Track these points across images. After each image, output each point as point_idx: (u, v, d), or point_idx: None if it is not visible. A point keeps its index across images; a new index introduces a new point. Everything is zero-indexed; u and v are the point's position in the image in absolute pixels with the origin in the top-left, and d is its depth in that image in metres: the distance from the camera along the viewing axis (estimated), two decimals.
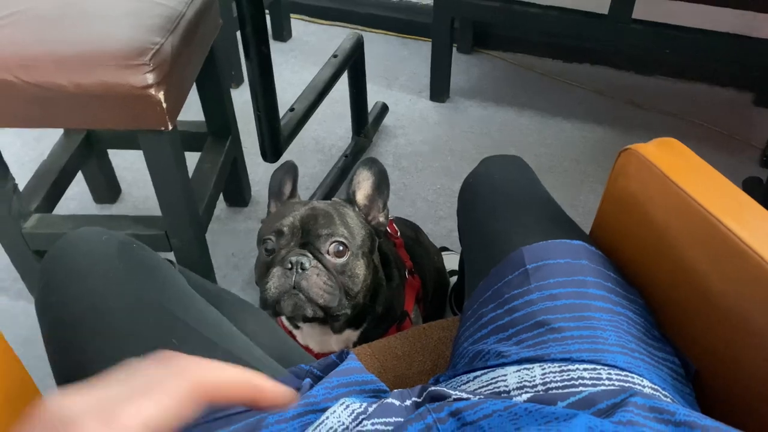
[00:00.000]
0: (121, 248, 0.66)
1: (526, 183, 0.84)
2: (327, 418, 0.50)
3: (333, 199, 1.05)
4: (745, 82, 2.19)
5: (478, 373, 0.61)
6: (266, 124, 1.41)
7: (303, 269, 0.89)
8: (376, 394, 0.58)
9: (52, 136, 1.61)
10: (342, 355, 0.63)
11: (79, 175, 1.65)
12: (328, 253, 0.92)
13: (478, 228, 0.81)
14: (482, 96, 2.23)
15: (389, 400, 0.52)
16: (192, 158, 1.40)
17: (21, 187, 1.37)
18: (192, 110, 1.49)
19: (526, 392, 0.55)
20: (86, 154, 1.63)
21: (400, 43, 2.53)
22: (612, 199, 0.76)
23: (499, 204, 0.79)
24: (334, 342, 1.02)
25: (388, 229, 1.13)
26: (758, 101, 2.17)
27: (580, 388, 0.53)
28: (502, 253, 0.71)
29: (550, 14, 1.91)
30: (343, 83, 1.79)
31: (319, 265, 0.90)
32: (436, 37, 2.06)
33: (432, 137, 2.04)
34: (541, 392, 0.54)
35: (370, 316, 1.01)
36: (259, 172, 1.83)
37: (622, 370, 0.55)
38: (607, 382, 0.54)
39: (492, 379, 0.58)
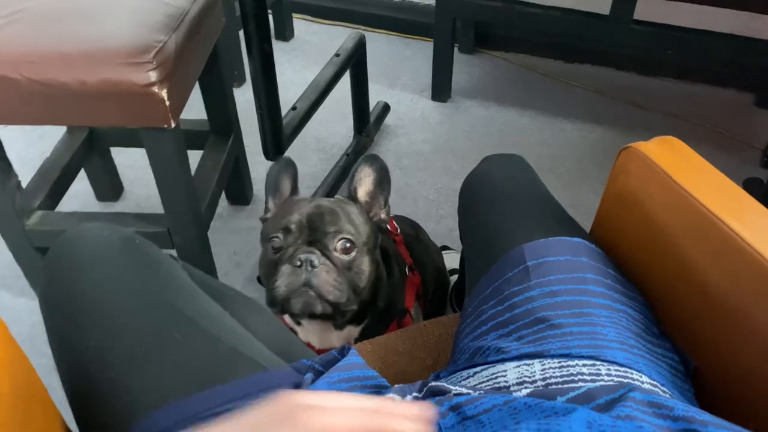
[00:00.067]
0: (125, 243, 0.67)
1: (527, 181, 0.84)
2: None
3: (336, 196, 1.05)
4: (746, 83, 2.19)
5: (479, 368, 0.61)
6: (268, 122, 1.42)
7: (312, 266, 0.89)
8: (377, 390, 0.59)
9: (56, 133, 1.62)
10: (343, 351, 0.63)
11: (82, 173, 1.66)
12: (335, 250, 0.92)
13: (479, 226, 0.81)
14: (484, 96, 2.23)
15: (390, 395, 0.53)
16: (194, 157, 1.41)
17: (24, 184, 1.38)
18: (194, 109, 1.50)
19: (526, 387, 0.55)
20: (89, 152, 1.64)
21: (402, 42, 2.53)
22: (612, 196, 0.76)
23: (500, 202, 0.80)
24: (335, 338, 1.03)
25: (388, 226, 1.13)
26: (759, 102, 2.17)
27: (580, 384, 0.53)
28: (503, 251, 0.71)
29: (552, 14, 1.92)
30: (345, 82, 1.79)
31: (328, 262, 0.91)
32: (438, 37, 2.07)
33: (433, 137, 2.05)
34: (540, 387, 0.55)
35: (371, 312, 1.02)
36: (261, 170, 1.84)
37: (621, 365, 0.56)
38: (606, 378, 0.54)
39: (492, 374, 0.59)
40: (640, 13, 1.81)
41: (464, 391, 0.52)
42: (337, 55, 1.73)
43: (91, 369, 0.59)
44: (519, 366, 0.58)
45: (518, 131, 2.07)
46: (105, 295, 0.63)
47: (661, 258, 0.69)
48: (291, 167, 1.06)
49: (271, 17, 2.35)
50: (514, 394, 0.53)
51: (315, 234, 0.92)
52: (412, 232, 1.28)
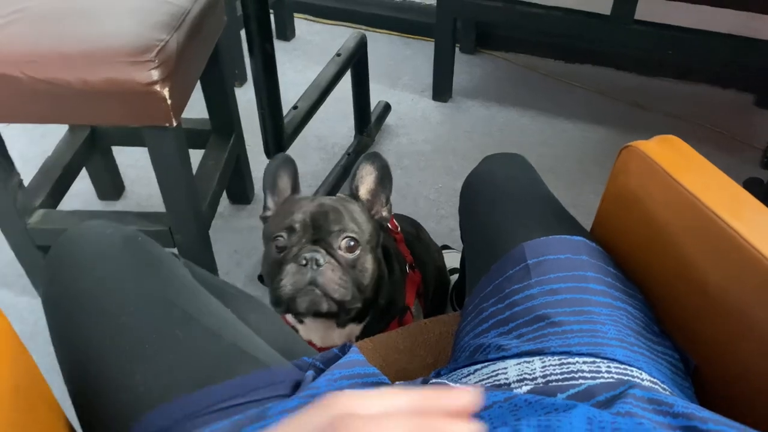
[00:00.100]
0: (126, 241, 0.67)
1: (528, 180, 0.84)
2: None
3: (338, 194, 1.05)
4: (746, 83, 2.20)
5: (479, 366, 0.61)
6: (270, 121, 1.42)
7: (318, 265, 0.89)
8: (378, 387, 0.59)
9: (57, 132, 1.62)
10: (344, 348, 0.64)
11: (84, 172, 1.66)
12: (340, 248, 0.93)
13: (480, 225, 0.81)
14: (484, 96, 2.23)
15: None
16: (195, 156, 1.41)
17: (26, 183, 1.38)
18: (196, 108, 1.50)
19: (526, 385, 0.55)
20: (91, 151, 1.64)
21: (403, 42, 2.54)
22: (613, 195, 0.77)
23: (501, 201, 0.80)
24: (337, 336, 1.03)
25: (389, 225, 1.14)
26: (759, 102, 2.17)
27: (580, 381, 0.53)
28: (504, 249, 0.72)
29: (553, 15, 1.92)
30: (346, 82, 1.80)
31: (333, 261, 0.91)
32: (439, 37, 2.07)
33: (434, 136, 2.05)
34: (541, 385, 0.55)
35: (373, 309, 1.02)
36: (262, 170, 1.81)
37: (621, 363, 0.56)
38: (606, 375, 0.54)
39: (492, 372, 0.59)
40: (641, 13, 1.81)
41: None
42: (338, 54, 1.73)
43: (93, 367, 0.60)
44: (519, 363, 0.58)
45: (519, 131, 2.07)
46: (107, 294, 0.63)
47: (661, 256, 0.69)
48: (289, 164, 1.05)
49: (272, 17, 2.36)
50: (514, 391, 0.54)
51: (319, 233, 0.92)
52: (413, 231, 1.28)
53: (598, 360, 0.56)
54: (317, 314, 0.95)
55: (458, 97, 2.22)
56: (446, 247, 1.55)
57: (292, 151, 1.44)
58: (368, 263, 0.95)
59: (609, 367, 0.55)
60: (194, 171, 1.37)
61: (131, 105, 1.13)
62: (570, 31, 2.04)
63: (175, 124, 1.16)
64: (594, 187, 1.79)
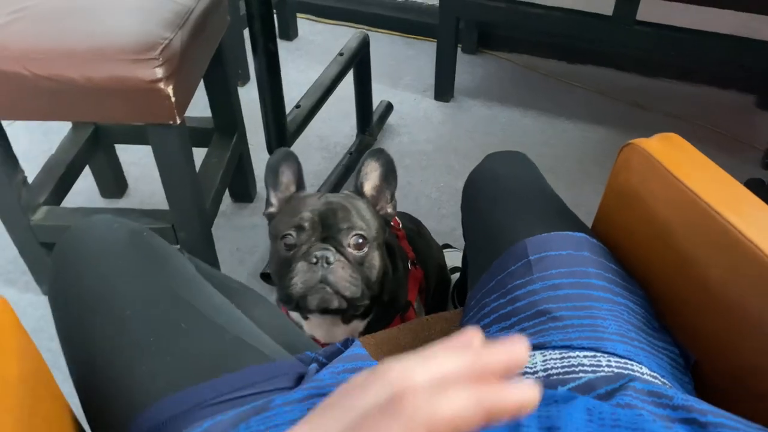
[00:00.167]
0: (132, 235, 0.68)
1: (529, 178, 0.85)
2: None
3: (344, 192, 1.05)
4: (748, 85, 2.20)
5: None
6: (273, 119, 1.43)
7: (328, 263, 0.90)
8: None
9: (61, 131, 1.63)
10: (347, 343, 0.64)
11: (87, 170, 1.67)
12: (349, 246, 0.93)
13: (482, 221, 0.82)
14: (486, 96, 2.24)
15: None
16: (198, 154, 1.42)
17: (29, 180, 1.39)
18: (199, 107, 1.51)
19: (527, 378, 0.56)
20: (94, 149, 1.65)
21: (405, 43, 2.54)
22: (614, 192, 0.77)
23: (503, 198, 0.81)
24: (341, 332, 1.03)
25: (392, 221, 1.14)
26: (761, 104, 2.18)
27: (580, 374, 0.54)
28: (506, 245, 0.72)
29: (555, 15, 1.93)
30: (348, 82, 1.80)
31: (342, 258, 0.92)
32: (442, 38, 2.08)
33: (436, 136, 2.05)
34: (542, 378, 0.55)
35: (377, 305, 1.03)
36: (264, 168, 1.85)
37: (622, 357, 0.57)
38: (606, 369, 0.55)
39: None
40: (643, 14, 1.81)
41: None
42: (340, 54, 1.74)
43: (99, 359, 0.60)
44: None
45: (520, 131, 2.08)
46: (112, 287, 0.64)
47: (662, 252, 0.69)
48: (292, 160, 1.04)
49: (275, 17, 2.36)
50: None
51: (328, 231, 0.93)
52: (414, 228, 1.29)
53: (598, 354, 0.57)
54: (325, 311, 0.95)
55: (460, 97, 2.23)
56: (447, 246, 1.56)
57: (294, 150, 1.45)
58: (376, 260, 0.96)
59: (609, 361, 0.56)
60: (197, 169, 1.38)
61: (135, 102, 1.13)
62: (572, 32, 2.04)
63: (178, 121, 1.16)
64: (594, 187, 1.79)
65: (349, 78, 1.81)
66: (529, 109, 2.17)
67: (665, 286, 0.70)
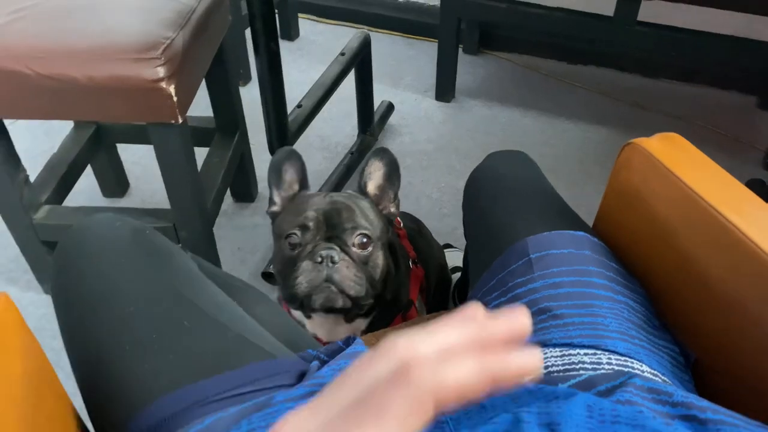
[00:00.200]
0: (135, 234, 0.68)
1: (531, 176, 0.85)
2: None
3: (347, 191, 1.06)
4: (749, 85, 2.20)
5: None
6: (274, 119, 1.43)
7: (333, 262, 0.90)
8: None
9: (61, 130, 1.63)
10: (348, 341, 0.64)
11: (88, 170, 1.67)
12: (353, 245, 0.94)
13: (483, 220, 0.82)
14: (487, 96, 2.24)
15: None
16: (200, 154, 1.42)
17: (31, 179, 1.39)
18: (200, 106, 1.51)
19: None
20: (96, 148, 1.65)
21: (406, 43, 2.55)
22: (615, 191, 0.77)
23: (504, 196, 0.81)
24: (343, 331, 1.03)
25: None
26: (762, 104, 2.18)
27: (581, 372, 0.54)
28: (507, 244, 0.72)
29: (556, 15, 1.93)
30: (349, 82, 1.81)
31: (347, 258, 0.92)
32: (443, 38, 2.08)
33: (437, 136, 2.06)
34: (542, 375, 0.56)
35: (379, 304, 1.03)
36: (265, 168, 1.81)
37: (622, 355, 0.57)
38: (606, 367, 0.55)
39: None
40: (644, 14, 1.82)
41: None
42: (342, 53, 1.74)
43: (102, 357, 0.61)
44: None
45: (521, 131, 2.08)
46: (115, 284, 0.64)
47: (662, 251, 0.69)
48: (295, 158, 1.04)
49: (276, 17, 2.37)
50: None
51: (333, 230, 0.93)
52: (414, 227, 1.29)
53: (599, 352, 0.57)
54: (329, 310, 0.96)
55: (461, 97, 2.23)
56: (448, 245, 1.56)
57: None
58: (380, 259, 0.97)
59: (610, 358, 0.56)
60: (198, 169, 1.38)
61: (137, 101, 1.14)
62: (573, 32, 2.05)
63: (180, 121, 1.17)
64: (595, 187, 1.79)
65: (351, 78, 1.81)
66: (530, 110, 2.17)
67: (666, 284, 0.71)
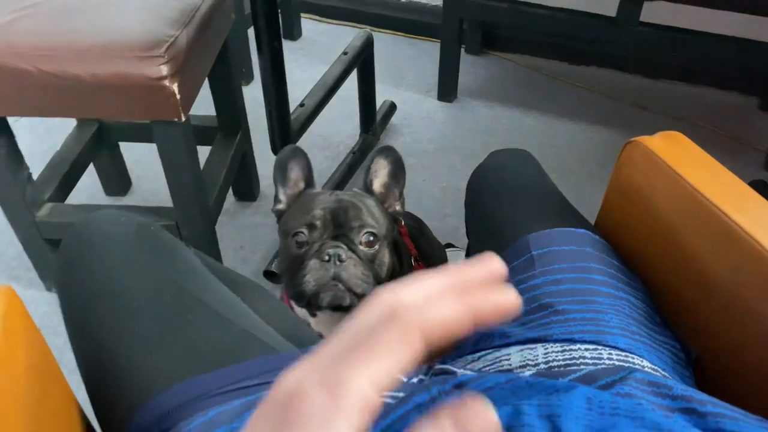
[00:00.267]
0: (140, 229, 0.68)
1: (533, 174, 0.85)
2: None
3: (353, 189, 1.06)
4: (751, 87, 2.21)
5: (483, 353, 0.62)
6: (276, 117, 1.44)
7: (341, 261, 0.91)
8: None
9: (62, 129, 1.64)
10: None
11: (90, 168, 1.68)
12: (360, 243, 0.94)
13: (486, 217, 0.83)
14: (489, 96, 2.25)
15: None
16: (202, 153, 1.42)
17: (34, 177, 1.39)
18: (203, 105, 1.52)
19: (529, 370, 0.56)
20: (98, 146, 1.66)
21: (408, 43, 2.55)
22: (616, 189, 0.78)
23: (506, 194, 0.81)
24: None
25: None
26: (763, 105, 2.18)
27: (581, 367, 0.55)
28: (509, 241, 0.73)
29: (558, 16, 1.93)
30: (351, 82, 1.81)
31: (354, 256, 0.93)
32: (445, 38, 2.09)
33: (439, 136, 2.06)
34: (543, 370, 0.56)
35: None
36: (267, 167, 1.83)
37: (623, 350, 0.57)
38: (607, 362, 0.55)
39: (496, 358, 0.60)
40: (647, 15, 1.82)
41: (469, 373, 0.53)
42: (345, 53, 1.75)
43: (106, 351, 0.61)
44: (522, 350, 0.59)
45: (523, 131, 2.08)
46: (120, 279, 0.64)
47: (664, 248, 0.70)
48: (300, 156, 1.05)
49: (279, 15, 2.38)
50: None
51: (340, 228, 0.94)
52: (415, 225, 1.30)
53: (600, 347, 0.57)
54: (339, 308, 0.96)
55: (463, 97, 2.24)
56: (450, 245, 1.56)
57: None
58: (386, 257, 0.97)
59: (610, 354, 0.56)
60: (201, 167, 1.39)
61: (140, 99, 1.14)
62: (575, 33, 2.05)
63: (183, 119, 1.17)
64: (597, 188, 1.79)
65: (353, 78, 1.82)
66: (532, 110, 2.18)
67: (667, 281, 0.71)
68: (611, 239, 0.75)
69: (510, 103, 2.21)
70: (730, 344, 0.64)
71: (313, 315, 1.04)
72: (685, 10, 1.81)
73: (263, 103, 1.44)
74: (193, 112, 1.23)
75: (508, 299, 0.30)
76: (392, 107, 2.11)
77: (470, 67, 2.38)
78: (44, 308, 1.46)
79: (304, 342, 0.70)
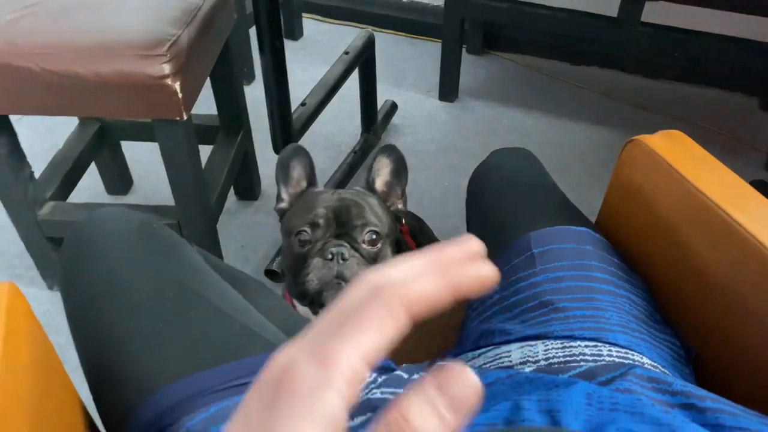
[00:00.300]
0: (142, 226, 0.69)
1: (534, 173, 0.86)
2: None
3: (355, 188, 1.06)
4: (752, 87, 2.21)
5: (484, 350, 0.63)
6: (278, 117, 1.44)
7: (344, 259, 0.91)
8: (385, 371, 0.61)
9: (63, 128, 1.64)
10: None
11: (92, 167, 1.68)
12: (363, 242, 0.94)
13: (486, 215, 0.83)
14: (490, 96, 2.25)
15: (398, 372, 0.55)
16: (204, 152, 1.43)
17: (36, 176, 1.40)
18: (205, 104, 1.52)
19: (529, 366, 0.57)
20: (100, 145, 1.66)
21: (409, 43, 2.55)
22: (617, 188, 0.78)
23: (507, 192, 0.82)
24: None
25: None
26: (764, 106, 2.18)
27: (581, 363, 0.55)
28: (509, 239, 0.73)
29: (560, 16, 1.93)
30: (353, 81, 1.81)
31: (357, 255, 0.93)
32: (446, 38, 2.09)
33: (440, 136, 2.06)
34: (543, 366, 0.56)
35: None
36: (269, 167, 1.84)
37: (623, 347, 0.57)
38: (607, 358, 0.56)
39: (497, 355, 0.60)
40: (648, 15, 1.82)
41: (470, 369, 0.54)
42: (346, 52, 1.75)
43: (108, 347, 0.61)
44: (523, 347, 0.59)
45: (524, 131, 2.09)
46: (122, 276, 0.64)
47: (664, 247, 0.70)
48: (303, 155, 1.05)
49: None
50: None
51: (343, 227, 0.94)
52: (415, 224, 1.30)
53: (600, 344, 0.57)
54: None
55: (464, 97, 2.24)
56: None
57: None
58: (389, 256, 0.97)
59: (610, 350, 0.57)
60: (202, 166, 1.39)
61: (142, 98, 1.14)
62: (576, 33, 2.06)
63: (185, 117, 1.17)
64: (597, 187, 1.78)
65: (354, 77, 1.82)
66: (533, 110, 2.18)
67: (667, 279, 0.71)
68: (612, 237, 0.76)
69: (511, 103, 2.21)
70: (730, 343, 0.65)
71: (316, 313, 1.05)
72: (686, 10, 1.81)
73: (265, 103, 1.44)
74: (194, 111, 1.23)
75: (485, 271, 0.31)
76: (393, 107, 2.12)
77: (471, 67, 2.38)
78: (46, 306, 1.46)
79: None
